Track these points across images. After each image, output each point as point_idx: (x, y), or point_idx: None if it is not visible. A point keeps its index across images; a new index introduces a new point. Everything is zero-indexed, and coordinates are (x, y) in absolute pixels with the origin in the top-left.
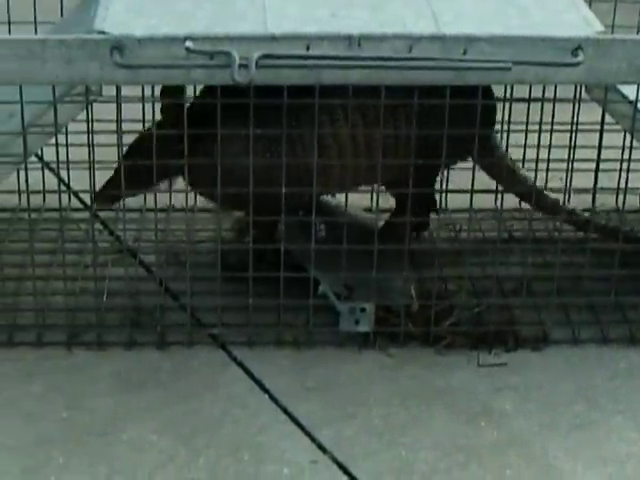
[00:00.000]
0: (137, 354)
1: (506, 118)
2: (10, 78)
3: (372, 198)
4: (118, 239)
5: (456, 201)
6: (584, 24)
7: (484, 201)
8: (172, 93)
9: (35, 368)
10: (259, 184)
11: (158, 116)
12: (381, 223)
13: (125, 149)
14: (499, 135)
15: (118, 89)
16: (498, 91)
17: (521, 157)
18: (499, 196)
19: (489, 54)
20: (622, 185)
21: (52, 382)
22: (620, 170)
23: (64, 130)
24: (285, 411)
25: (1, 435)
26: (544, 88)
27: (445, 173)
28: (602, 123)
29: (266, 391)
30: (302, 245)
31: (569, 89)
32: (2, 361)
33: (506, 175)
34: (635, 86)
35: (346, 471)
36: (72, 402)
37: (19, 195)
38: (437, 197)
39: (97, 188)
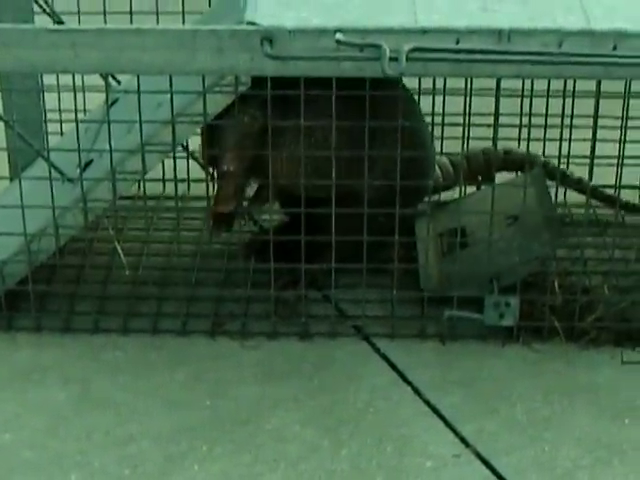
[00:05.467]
0: (281, 344)
1: None
2: (160, 68)
3: None
4: (262, 229)
5: None
6: None
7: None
8: None
9: (179, 356)
10: None
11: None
12: None
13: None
14: None
15: None
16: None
17: None
18: None
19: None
20: None
21: (196, 370)
22: None
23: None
24: (428, 404)
25: (145, 423)
26: None
27: None
28: None
29: (409, 383)
30: None
31: None
32: (146, 349)
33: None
34: None
35: (489, 465)
36: (216, 391)
37: (163, 184)
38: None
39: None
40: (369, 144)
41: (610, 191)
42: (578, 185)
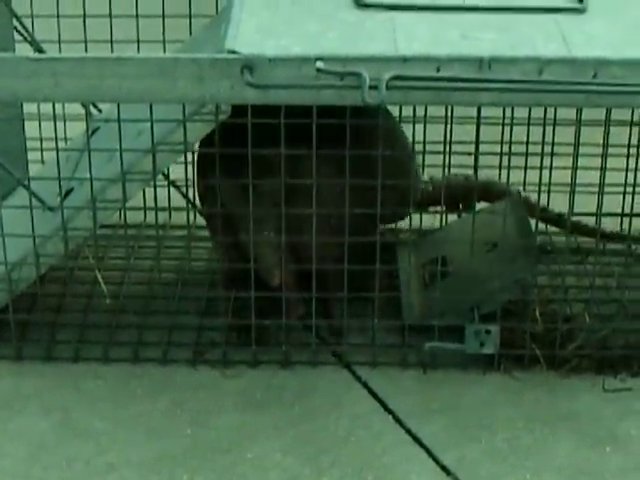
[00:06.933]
0: (261, 373)
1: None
2: (141, 96)
3: None
4: None
5: None
6: None
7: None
8: None
9: (160, 385)
10: None
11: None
12: None
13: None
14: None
15: None
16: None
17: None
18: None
19: (620, 78)
20: None
21: (177, 399)
22: None
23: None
24: (409, 432)
25: (126, 451)
26: None
27: None
28: None
29: (390, 412)
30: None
31: None
32: (127, 378)
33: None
34: None
35: None
36: (197, 419)
37: (144, 212)
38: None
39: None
40: (356, 174)
41: (591, 219)
42: (558, 220)
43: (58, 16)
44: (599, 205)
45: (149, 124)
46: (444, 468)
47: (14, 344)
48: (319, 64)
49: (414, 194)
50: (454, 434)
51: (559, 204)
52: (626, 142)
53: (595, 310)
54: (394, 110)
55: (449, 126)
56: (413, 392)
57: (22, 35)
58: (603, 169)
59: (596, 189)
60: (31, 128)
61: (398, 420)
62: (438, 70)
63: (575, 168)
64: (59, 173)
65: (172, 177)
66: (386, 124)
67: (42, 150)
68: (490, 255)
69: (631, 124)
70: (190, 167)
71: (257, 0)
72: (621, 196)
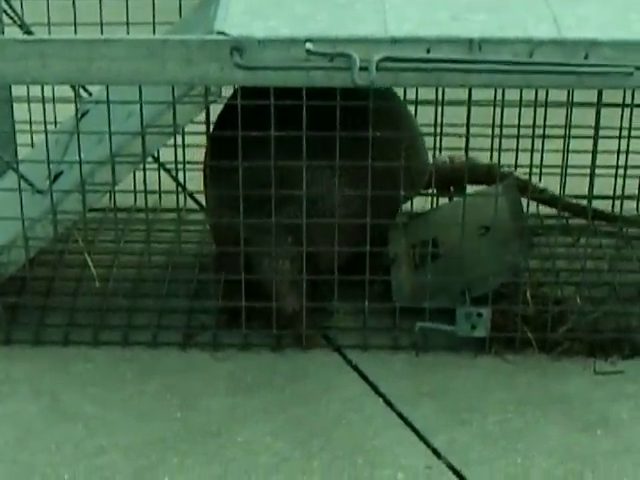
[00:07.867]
0: (252, 356)
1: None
2: (130, 78)
3: None
4: None
5: None
6: None
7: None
8: None
9: (150, 368)
10: None
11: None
12: None
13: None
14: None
15: None
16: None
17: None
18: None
19: (611, 59)
20: None
21: (167, 382)
22: None
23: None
24: (400, 415)
25: (115, 435)
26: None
27: None
28: None
29: (381, 395)
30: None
31: None
32: (117, 361)
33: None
34: None
35: (461, 477)
36: (187, 402)
37: (135, 195)
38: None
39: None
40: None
41: (582, 201)
42: (551, 200)
43: None
44: (590, 187)
45: (138, 106)
46: (435, 451)
47: (3, 328)
48: (308, 45)
49: (423, 174)
50: (445, 417)
51: (551, 186)
52: (618, 124)
53: (586, 293)
54: None
55: (440, 108)
56: (404, 375)
57: (11, 18)
58: (594, 151)
59: (587, 171)
60: (20, 111)
61: (389, 403)
62: (428, 51)
63: (567, 150)
64: (48, 156)
65: (162, 160)
66: (395, 106)
67: (31, 133)
68: (483, 239)
69: (623, 106)
70: (180, 150)
71: None
72: (612, 178)
